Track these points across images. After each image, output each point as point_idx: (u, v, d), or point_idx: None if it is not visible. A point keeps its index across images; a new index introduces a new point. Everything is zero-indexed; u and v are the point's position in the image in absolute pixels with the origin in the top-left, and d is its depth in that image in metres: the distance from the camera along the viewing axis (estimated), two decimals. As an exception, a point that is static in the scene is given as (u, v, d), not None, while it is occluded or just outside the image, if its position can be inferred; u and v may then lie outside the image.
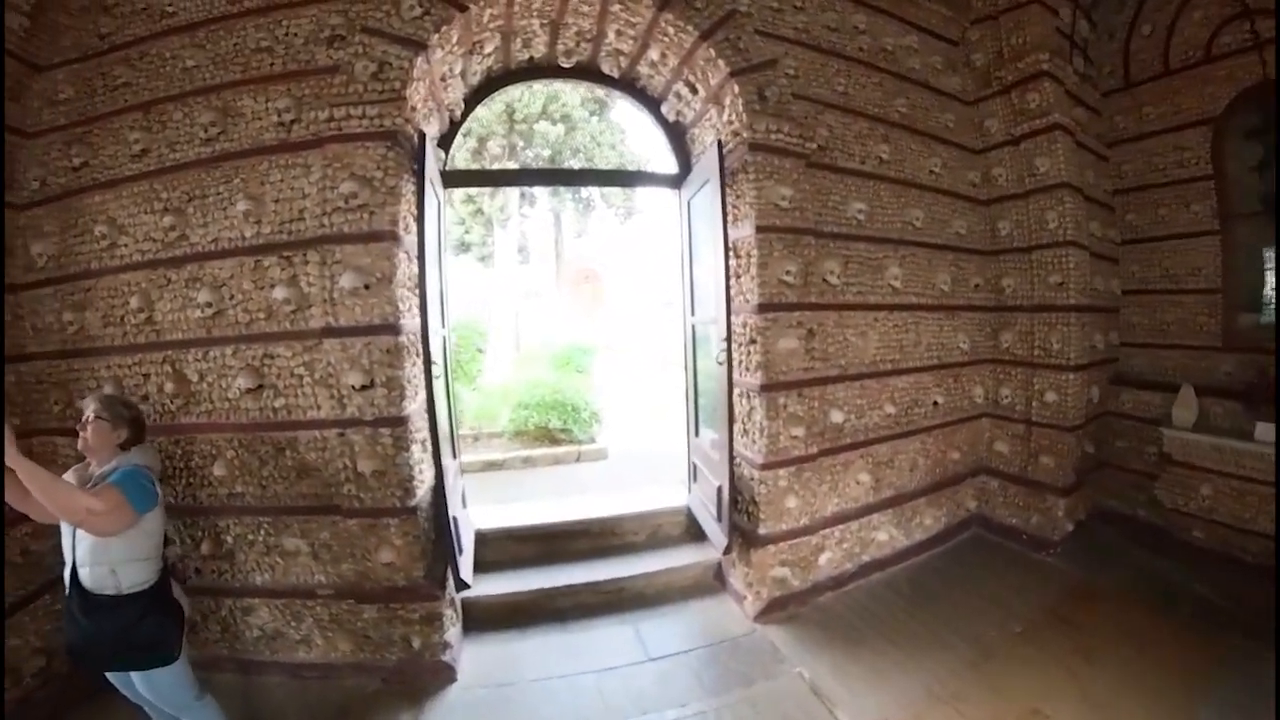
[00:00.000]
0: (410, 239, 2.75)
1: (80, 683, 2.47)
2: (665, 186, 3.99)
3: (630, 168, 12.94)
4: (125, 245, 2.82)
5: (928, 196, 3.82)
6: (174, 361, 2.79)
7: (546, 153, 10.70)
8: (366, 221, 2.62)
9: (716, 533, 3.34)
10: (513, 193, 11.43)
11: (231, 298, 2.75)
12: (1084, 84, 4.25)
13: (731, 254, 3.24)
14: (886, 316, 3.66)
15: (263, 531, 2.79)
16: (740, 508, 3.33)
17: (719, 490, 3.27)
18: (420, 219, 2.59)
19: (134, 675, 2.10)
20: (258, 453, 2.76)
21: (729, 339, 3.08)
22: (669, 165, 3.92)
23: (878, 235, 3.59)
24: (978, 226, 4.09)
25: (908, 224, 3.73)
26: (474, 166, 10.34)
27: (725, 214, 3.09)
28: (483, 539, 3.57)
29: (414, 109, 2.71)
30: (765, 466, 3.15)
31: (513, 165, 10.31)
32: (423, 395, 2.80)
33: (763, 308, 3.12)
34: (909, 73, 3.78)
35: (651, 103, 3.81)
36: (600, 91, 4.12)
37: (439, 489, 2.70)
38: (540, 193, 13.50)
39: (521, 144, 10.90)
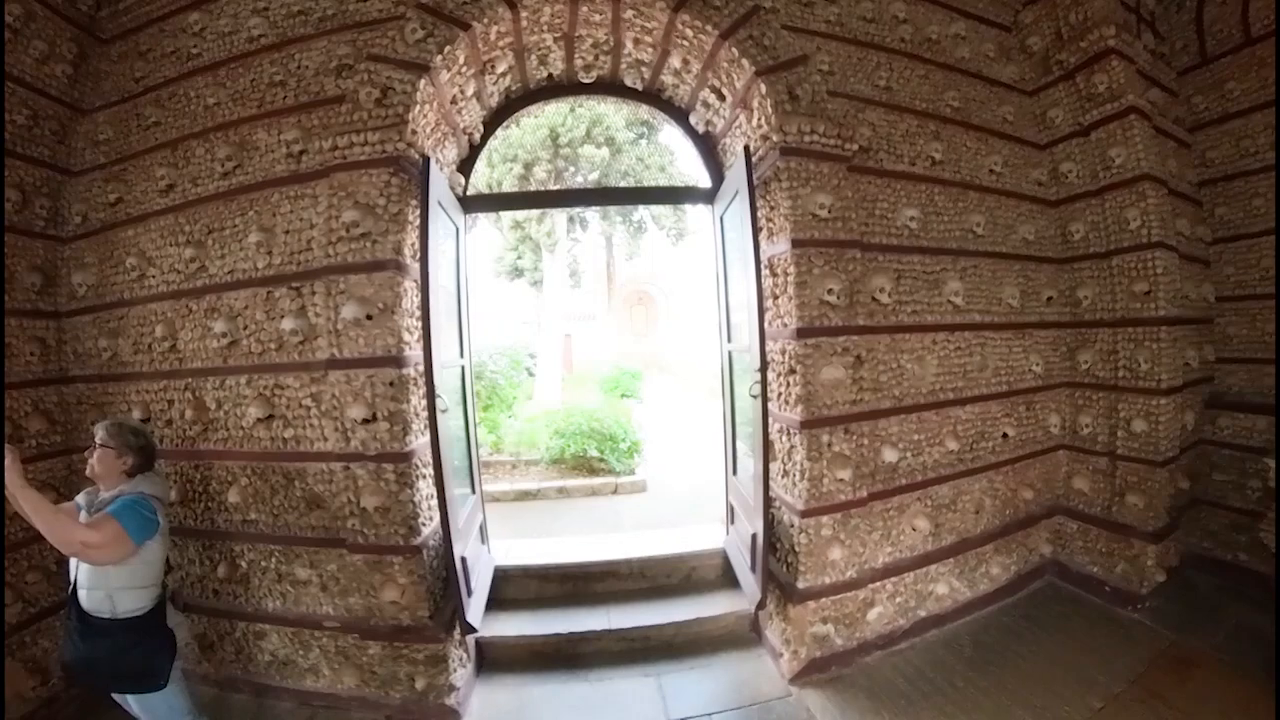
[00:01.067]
0: (418, 267, 2.65)
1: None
2: (699, 202, 3.76)
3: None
4: (153, 276, 2.92)
5: (989, 199, 3.40)
6: (194, 389, 2.84)
7: (593, 176, 10.73)
8: (369, 250, 2.55)
9: (750, 584, 3.00)
10: (560, 217, 11.51)
11: (245, 328, 2.77)
12: (1156, 62, 3.71)
13: (766, 272, 2.95)
14: (947, 338, 3.23)
15: (274, 559, 2.78)
16: (779, 557, 2.99)
17: (753, 538, 2.94)
18: (424, 246, 2.48)
19: (129, 697, 2.11)
20: (269, 481, 2.75)
21: (763, 368, 2.75)
22: (704, 179, 3.68)
23: (933, 245, 3.20)
24: (1047, 231, 3.61)
25: (968, 231, 3.31)
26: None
27: (755, 227, 2.79)
28: (505, 575, 3.41)
29: (415, 132, 2.63)
30: (806, 514, 2.79)
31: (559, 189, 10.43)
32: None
33: (802, 332, 2.79)
34: (959, 63, 3.39)
35: (680, 114, 3.62)
36: (630, 107, 3.95)
37: (445, 528, 2.54)
38: (591, 216, 13.59)
39: (571, 169, 10.98)
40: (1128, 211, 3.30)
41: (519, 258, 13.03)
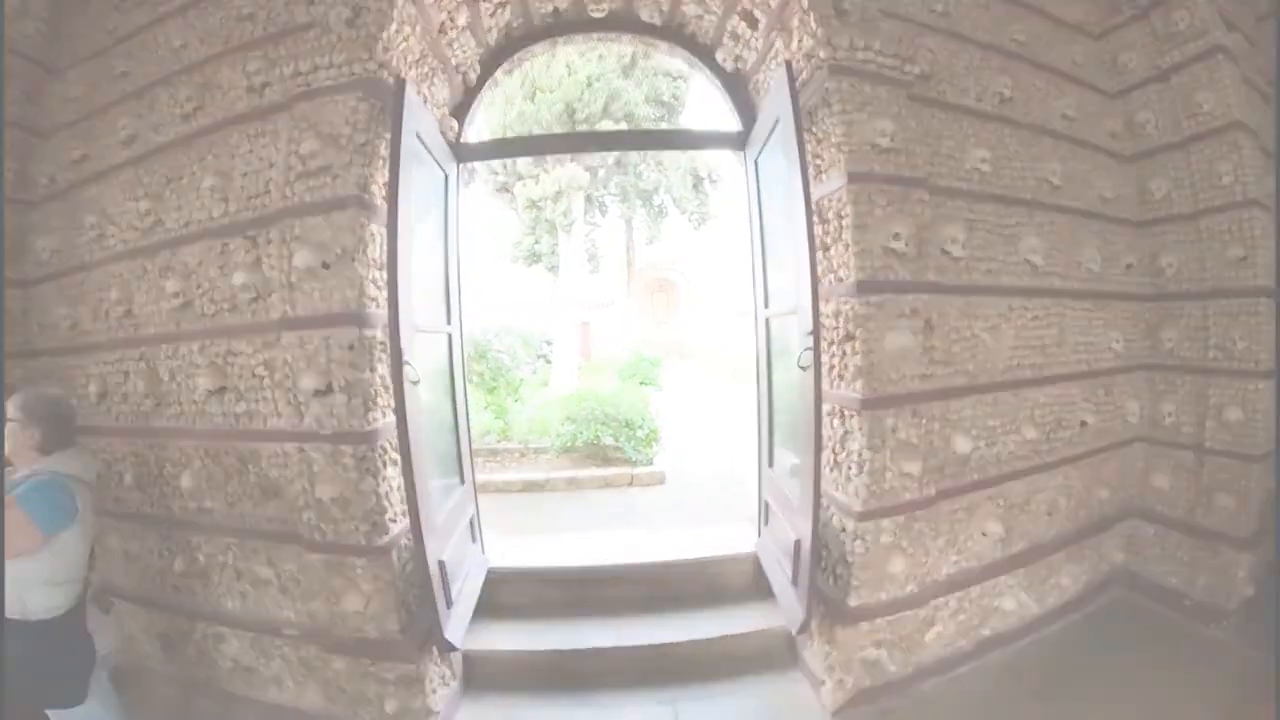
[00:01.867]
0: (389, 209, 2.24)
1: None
2: (728, 148, 3.29)
3: (702, 171, 12.40)
4: (112, 235, 2.65)
5: (1063, 147, 2.89)
6: (148, 358, 2.53)
7: (612, 157, 10.34)
8: (330, 186, 2.15)
9: (791, 602, 2.50)
10: (576, 197, 11.09)
11: (198, 287, 2.43)
12: (1235, 4, 3.15)
13: (816, 217, 2.42)
14: (1024, 305, 2.72)
15: (231, 553, 2.44)
16: (824, 566, 2.49)
17: (796, 546, 2.43)
18: (394, 177, 2.08)
19: (49, 713, 1.81)
20: (223, 464, 2.41)
21: (815, 333, 2.22)
22: (732, 125, 3.21)
23: (1007, 194, 2.70)
24: (1124, 189, 3.09)
25: (1043, 181, 2.80)
26: (537, 172, 10.20)
27: (804, 151, 2.27)
28: (501, 578, 2.99)
29: (388, 51, 2.22)
30: (865, 516, 2.29)
31: (578, 168, 10.06)
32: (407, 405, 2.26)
33: (863, 287, 2.27)
34: (1021, -4, 2.89)
35: (705, 52, 3.15)
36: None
37: (416, 526, 2.13)
38: (610, 199, 13.22)
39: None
40: (1218, 164, 2.82)
41: (535, 242, 12.73)
